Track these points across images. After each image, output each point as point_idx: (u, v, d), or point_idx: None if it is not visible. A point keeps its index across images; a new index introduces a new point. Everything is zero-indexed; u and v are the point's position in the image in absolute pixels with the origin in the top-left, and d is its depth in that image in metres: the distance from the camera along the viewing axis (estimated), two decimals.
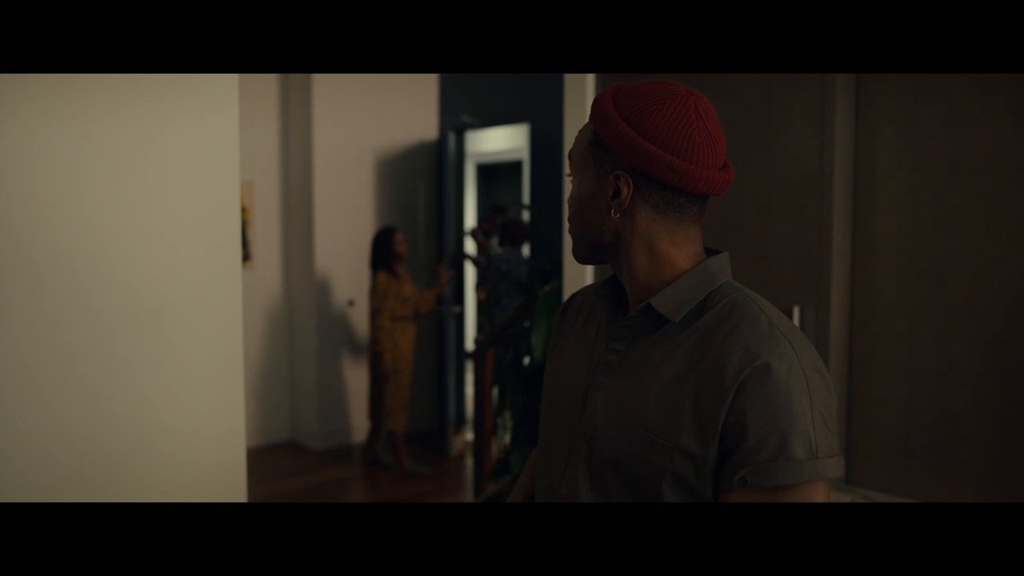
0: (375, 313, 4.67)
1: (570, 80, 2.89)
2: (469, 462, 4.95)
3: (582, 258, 1.12)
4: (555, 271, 3.82)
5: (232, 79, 1.70)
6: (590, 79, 2.83)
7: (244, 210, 5.08)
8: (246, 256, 5.09)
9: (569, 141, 2.93)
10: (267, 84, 5.16)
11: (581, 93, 2.86)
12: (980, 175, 1.99)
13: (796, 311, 2.26)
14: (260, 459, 4.95)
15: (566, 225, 2.98)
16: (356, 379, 5.32)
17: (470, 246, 5.77)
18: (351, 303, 5.25)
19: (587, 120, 1.11)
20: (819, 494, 0.93)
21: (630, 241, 1.06)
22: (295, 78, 5.13)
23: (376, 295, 4.66)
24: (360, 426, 5.34)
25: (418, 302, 4.71)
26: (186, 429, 1.69)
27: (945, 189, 2.05)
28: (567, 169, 1.14)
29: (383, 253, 4.72)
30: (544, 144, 4.89)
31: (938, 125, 2.06)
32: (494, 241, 5.43)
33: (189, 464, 1.69)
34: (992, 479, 1.99)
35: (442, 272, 4.85)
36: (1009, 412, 1.96)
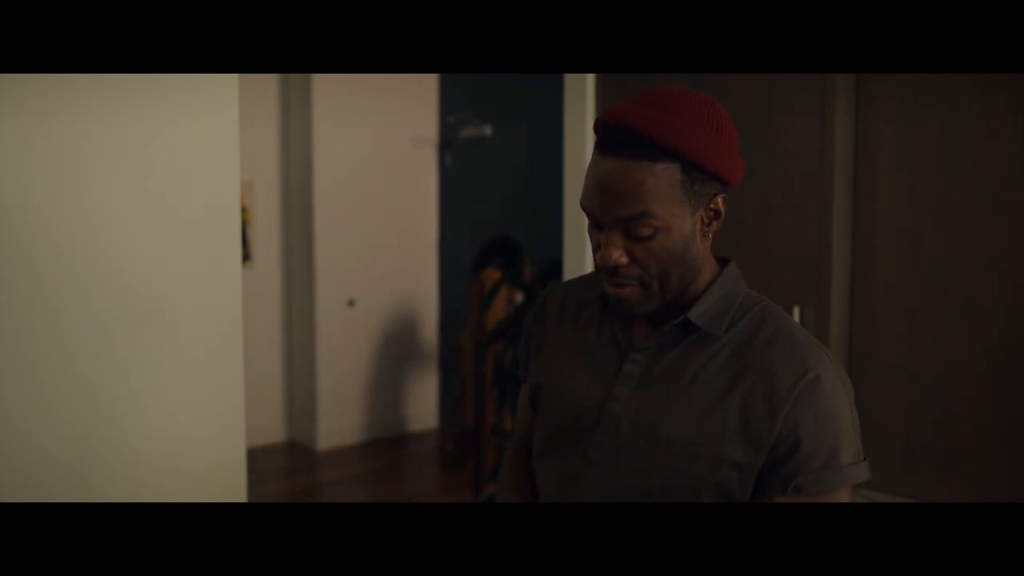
0: (494, 313, 4.74)
1: (570, 80, 2.89)
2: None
3: (655, 304, 1.01)
4: (555, 271, 3.82)
5: (232, 79, 1.70)
6: (590, 79, 2.83)
7: (244, 210, 5.08)
8: (246, 256, 5.09)
9: (570, 141, 2.93)
10: (267, 84, 5.16)
11: (581, 93, 2.86)
12: (980, 175, 1.99)
13: (796, 311, 2.26)
14: (260, 459, 4.95)
15: (566, 227, 2.98)
16: (356, 380, 5.32)
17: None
18: (351, 303, 5.24)
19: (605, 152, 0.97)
20: (845, 495, 0.97)
21: (703, 258, 1.02)
22: (295, 78, 5.13)
23: (497, 296, 4.75)
24: (359, 427, 5.33)
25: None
26: (186, 429, 1.68)
27: (945, 189, 2.05)
28: (641, 231, 0.95)
29: (511, 258, 4.81)
30: (544, 145, 4.88)
31: (938, 125, 2.06)
32: None
33: (189, 464, 1.69)
34: (992, 479, 1.99)
35: (527, 270, 4.88)
36: (1009, 412, 1.96)
